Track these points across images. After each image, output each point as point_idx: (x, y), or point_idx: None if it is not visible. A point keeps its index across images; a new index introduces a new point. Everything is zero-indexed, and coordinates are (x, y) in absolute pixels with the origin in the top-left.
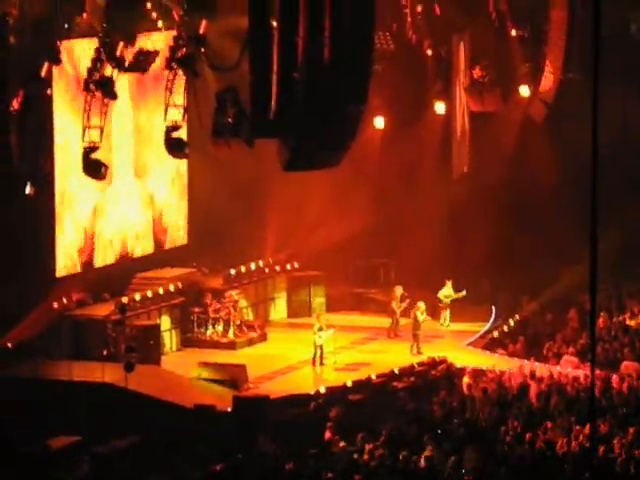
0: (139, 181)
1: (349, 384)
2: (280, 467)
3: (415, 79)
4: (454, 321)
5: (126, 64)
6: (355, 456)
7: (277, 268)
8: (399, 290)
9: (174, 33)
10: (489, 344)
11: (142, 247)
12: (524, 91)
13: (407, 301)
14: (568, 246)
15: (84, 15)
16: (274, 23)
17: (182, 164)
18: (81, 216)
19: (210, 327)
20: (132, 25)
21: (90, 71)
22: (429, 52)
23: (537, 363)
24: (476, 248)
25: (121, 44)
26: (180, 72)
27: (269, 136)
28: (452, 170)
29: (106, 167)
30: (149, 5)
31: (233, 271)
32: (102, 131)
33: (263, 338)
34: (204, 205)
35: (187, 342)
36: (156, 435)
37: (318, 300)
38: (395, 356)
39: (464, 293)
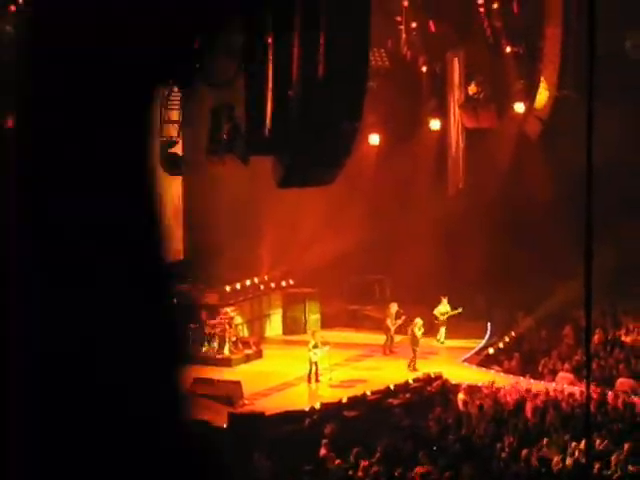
0: None
1: (344, 401)
2: None
3: (410, 96)
4: (449, 337)
5: None
6: (350, 472)
7: (272, 285)
8: (394, 307)
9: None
10: (484, 360)
11: None
12: (519, 108)
13: (402, 318)
14: (563, 262)
15: None
16: (269, 40)
17: (177, 180)
18: None
19: (205, 343)
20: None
21: None
22: (424, 69)
23: (532, 380)
24: (471, 264)
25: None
26: (175, 88)
27: (264, 153)
28: (447, 186)
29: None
30: None
31: (228, 288)
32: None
33: (258, 355)
34: (199, 221)
35: None
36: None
37: (313, 317)
38: (390, 373)
39: (460, 310)
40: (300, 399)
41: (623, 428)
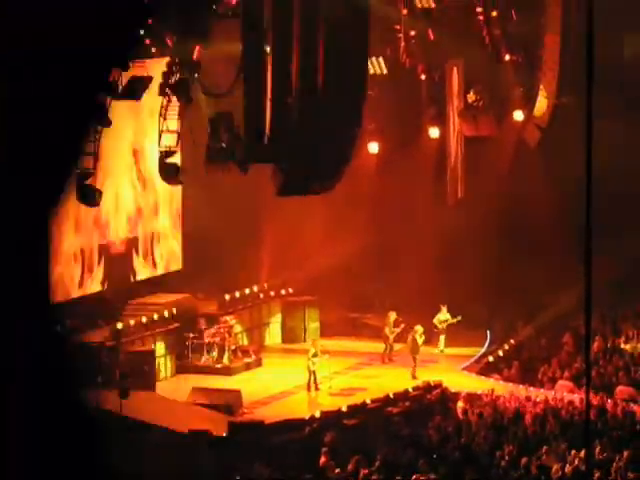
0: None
1: (344, 409)
2: None
3: (409, 104)
4: (449, 345)
5: (119, 90)
6: None
7: (272, 293)
8: (392, 316)
9: (167, 59)
10: (484, 369)
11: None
12: (518, 116)
13: (401, 326)
14: (563, 270)
15: None
16: (268, 49)
17: (176, 189)
18: (76, 242)
19: (205, 353)
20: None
21: None
22: (423, 77)
23: (532, 388)
24: (471, 272)
25: (114, 71)
26: (174, 98)
27: (263, 161)
28: (447, 194)
29: (100, 193)
30: (142, 31)
31: (228, 296)
32: (96, 157)
33: (258, 363)
34: (198, 230)
35: (182, 368)
36: (151, 461)
37: (313, 325)
38: (390, 381)
39: (459, 318)
40: (300, 407)
41: (623, 436)
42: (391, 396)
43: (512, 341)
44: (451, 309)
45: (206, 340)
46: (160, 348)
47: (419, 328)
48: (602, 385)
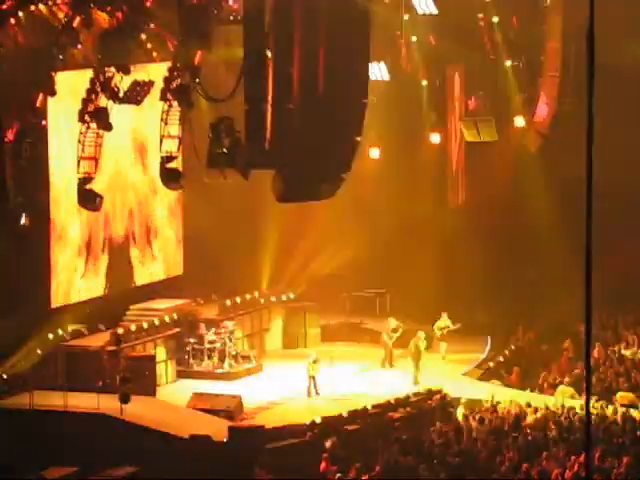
0: None
1: (345, 414)
2: None
3: (410, 110)
4: (449, 351)
5: (121, 95)
6: None
7: (272, 299)
8: (391, 322)
9: (169, 64)
10: (485, 374)
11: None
12: (519, 121)
13: (400, 331)
14: (563, 276)
15: (79, 46)
16: (269, 54)
17: (177, 194)
18: (76, 247)
19: (205, 358)
20: (127, 56)
21: (85, 102)
22: (424, 83)
23: (532, 393)
24: (472, 278)
25: (116, 75)
26: (175, 103)
27: (264, 167)
28: (448, 200)
29: (100, 198)
30: (144, 36)
31: (228, 302)
32: (97, 162)
33: (258, 369)
34: (199, 236)
35: (182, 373)
36: (151, 465)
37: (313, 330)
38: (391, 386)
39: (459, 325)
40: (300, 413)
41: (623, 442)
42: (392, 402)
43: (512, 347)
44: (452, 315)
45: (207, 345)
46: (161, 353)
47: (421, 334)
48: (603, 391)
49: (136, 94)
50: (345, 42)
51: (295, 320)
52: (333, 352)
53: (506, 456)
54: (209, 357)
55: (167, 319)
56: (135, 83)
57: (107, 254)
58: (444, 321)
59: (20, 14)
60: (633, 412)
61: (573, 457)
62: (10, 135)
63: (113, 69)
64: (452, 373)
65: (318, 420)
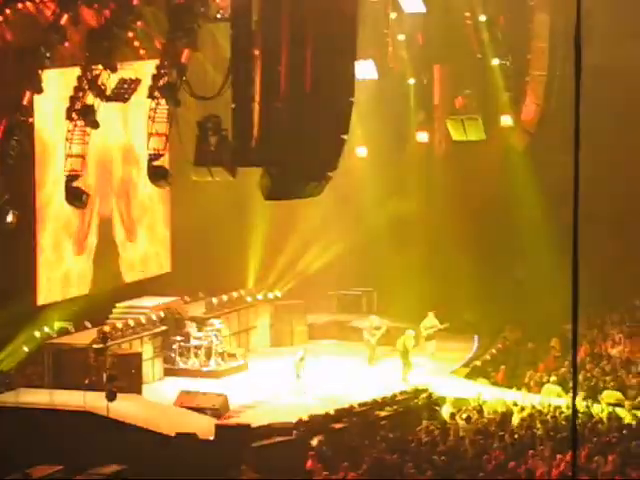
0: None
1: (331, 413)
2: None
3: (397, 108)
4: (437, 349)
5: (108, 93)
6: None
7: (259, 297)
8: (373, 319)
9: (156, 62)
10: (471, 373)
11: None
12: (506, 120)
13: (383, 329)
14: (550, 275)
15: (66, 44)
16: (256, 52)
17: (164, 192)
18: (63, 244)
19: (192, 356)
20: (114, 54)
21: (72, 100)
22: (411, 81)
23: (519, 392)
24: (459, 277)
25: (103, 73)
26: (162, 101)
27: (251, 165)
28: (434, 198)
29: (87, 195)
30: (131, 34)
31: (215, 300)
32: (84, 159)
33: (245, 367)
34: (186, 233)
35: (169, 371)
36: (138, 464)
37: (300, 329)
38: (377, 385)
39: (446, 325)
40: (287, 411)
41: (609, 440)
42: (378, 400)
43: (499, 345)
44: (439, 313)
45: (193, 343)
46: (147, 351)
47: (410, 332)
48: (589, 389)
49: (123, 92)
50: (332, 41)
51: (282, 318)
52: (320, 350)
53: (492, 455)
54: (196, 355)
55: (154, 317)
56: (122, 81)
57: (94, 252)
58: (430, 320)
59: (7, 11)
60: (619, 411)
61: (559, 456)
62: None
63: (100, 67)
64: (439, 372)
65: (304, 418)
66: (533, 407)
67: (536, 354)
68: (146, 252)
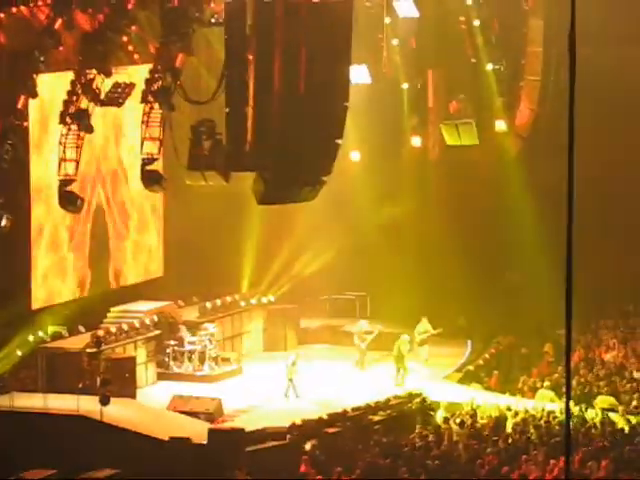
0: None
1: (325, 417)
2: None
3: (391, 113)
4: (430, 355)
5: (102, 97)
6: None
7: (253, 301)
8: (362, 324)
9: (150, 66)
10: (465, 378)
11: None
12: (500, 125)
13: (374, 334)
14: (544, 280)
15: (60, 48)
16: (250, 57)
17: (157, 196)
18: (57, 249)
19: (186, 360)
20: (108, 58)
21: (66, 104)
22: (405, 86)
23: (512, 397)
24: (452, 281)
25: (97, 77)
26: (156, 105)
27: (245, 169)
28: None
29: (82, 200)
30: (125, 38)
31: (209, 304)
32: (77, 164)
33: (239, 371)
34: (180, 238)
35: (163, 375)
36: (131, 468)
37: (293, 333)
38: (371, 389)
39: (440, 330)
40: (280, 415)
41: (603, 445)
42: (372, 405)
43: (493, 350)
44: (432, 318)
45: (187, 347)
46: (141, 355)
47: (405, 337)
48: (583, 395)
49: (117, 96)
50: (326, 45)
51: (275, 322)
52: (313, 354)
53: (486, 459)
54: (189, 359)
55: (147, 321)
56: (116, 85)
57: (88, 256)
58: (424, 325)
59: (1, 15)
60: (613, 416)
61: (553, 461)
62: None
63: (94, 71)
64: (433, 377)
65: (298, 423)
66: (527, 412)
67: (529, 359)
68: (140, 256)
